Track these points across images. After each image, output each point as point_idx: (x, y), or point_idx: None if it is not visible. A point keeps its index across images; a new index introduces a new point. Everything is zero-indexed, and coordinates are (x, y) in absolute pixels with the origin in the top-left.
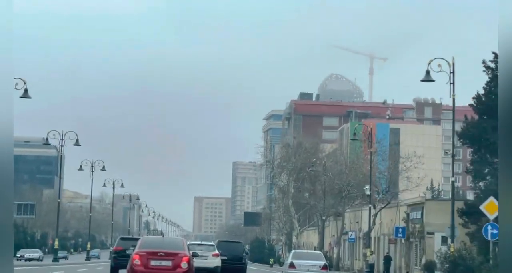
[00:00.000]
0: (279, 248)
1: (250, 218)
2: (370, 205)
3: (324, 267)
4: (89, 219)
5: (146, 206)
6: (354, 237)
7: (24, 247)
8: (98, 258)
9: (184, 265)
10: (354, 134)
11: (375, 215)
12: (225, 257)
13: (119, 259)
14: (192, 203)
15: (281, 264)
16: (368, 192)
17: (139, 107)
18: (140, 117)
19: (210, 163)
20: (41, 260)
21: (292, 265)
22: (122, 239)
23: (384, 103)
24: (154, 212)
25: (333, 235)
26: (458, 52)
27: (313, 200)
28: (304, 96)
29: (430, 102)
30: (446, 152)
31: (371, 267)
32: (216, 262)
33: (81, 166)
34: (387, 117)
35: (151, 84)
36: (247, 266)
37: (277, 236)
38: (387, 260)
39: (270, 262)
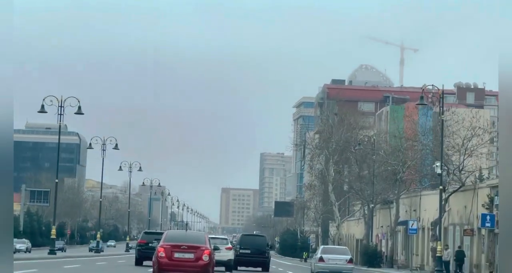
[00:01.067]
0: (313, 240)
1: (281, 208)
2: (440, 187)
3: (350, 261)
4: (99, 206)
5: (169, 194)
6: (416, 228)
7: (38, 237)
8: (100, 252)
9: (205, 257)
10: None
11: (446, 200)
12: (248, 251)
13: (143, 251)
14: (219, 195)
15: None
16: (439, 170)
17: (165, 97)
18: (166, 108)
19: (237, 154)
20: (29, 252)
21: (321, 259)
22: (146, 233)
23: (423, 88)
24: (179, 202)
25: (381, 226)
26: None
27: (359, 184)
28: (336, 82)
29: (472, 87)
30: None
31: (446, 265)
32: (229, 255)
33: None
34: (430, 100)
35: (179, 74)
36: (270, 259)
37: (311, 227)
38: (460, 255)
39: (304, 256)
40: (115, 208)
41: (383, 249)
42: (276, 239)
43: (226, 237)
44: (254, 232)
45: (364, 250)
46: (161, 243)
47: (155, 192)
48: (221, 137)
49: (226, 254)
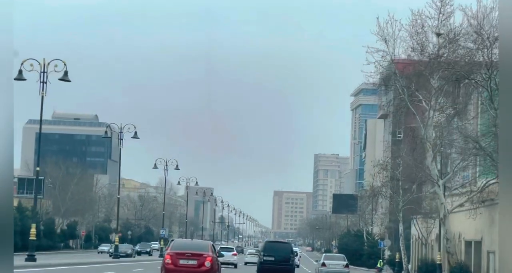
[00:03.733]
0: (387, 244)
1: (341, 202)
2: None
3: (346, 266)
4: (118, 203)
5: (211, 194)
6: None
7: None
8: (118, 257)
9: (207, 264)
10: None
11: None
12: (272, 258)
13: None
14: (272, 198)
15: (395, 269)
16: None
17: (214, 99)
18: (215, 110)
19: (290, 156)
20: None
21: (323, 264)
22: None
23: None
24: (229, 205)
25: None
26: None
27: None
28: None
29: None
30: None
31: None
32: (234, 259)
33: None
34: None
35: (228, 77)
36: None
37: (380, 228)
38: None
39: (379, 265)
40: (148, 208)
41: None
42: (333, 243)
43: (233, 247)
44: (288, 240)
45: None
46: (168, 251)
47: (204, 193)
48: (273, 139)
49: (231, 258)
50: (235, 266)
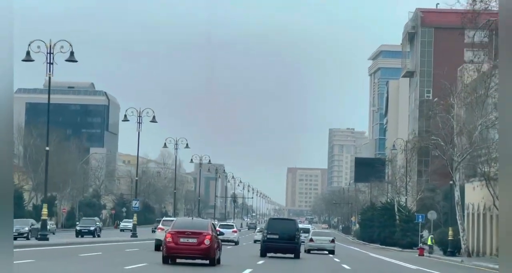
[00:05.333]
0: (430, 216)
1: (365, 168)
2: None
3: (332, 241)
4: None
5: (224, 171)
6: None
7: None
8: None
9: (207, 242)
10: None
11: None
12: (276, 236)
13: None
14: (285, 175)
15: (447, 251)
16: None
17: (227, 74)
18: (228, 85)
19: (304, 131)
20: None
21: (311, 240)
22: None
23: None
24: (241, 182)
25: None
26: None
27: None
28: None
29: None
30: None
31: None
32: (235, 237)
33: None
34: None
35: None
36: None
37: (414, 199)
38: None
39: (429, 242)
40: (146, 183)
41: None
42: (352, 219)
43: (233, 224)
44: (305, 219)
45: None
46: (169, 229)
47: (216, 170)
48: (286, 114)
49: (231, 235)
50: (236, 243)
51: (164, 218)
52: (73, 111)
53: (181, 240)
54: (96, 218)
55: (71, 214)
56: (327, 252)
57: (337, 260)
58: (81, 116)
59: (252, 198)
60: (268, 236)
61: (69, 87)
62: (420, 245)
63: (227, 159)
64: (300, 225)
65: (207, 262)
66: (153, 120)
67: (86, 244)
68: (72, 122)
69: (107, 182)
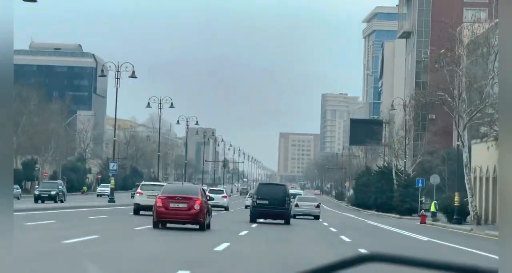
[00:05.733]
0: (433, 180)
1: (361, 130)
2: None
3: (317, 206)
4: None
5: (213, 134)
6: None
7: None
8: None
9: (196, 206)
10: None
11: None
12: (266, 202)
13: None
14: (277, 141)
15: (452, 218)
16: None
17: (218, 40)
18: (220, 49)
19: (296, 96)
20: None
21: (297, 205)
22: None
23: None
24: (232, 146)
25: None
26: None
27: None
28: None
29: None
30: None
31: None
32: (224, 202)
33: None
34: None
35: (232, 17)
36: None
37: (414, 162)
38: None
39: (432, 208)
40: (134, 147)
41: None
42: (346, 184)
43: (223, 189)
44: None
45: None
46: (159, 195)
47: (204, 132)
48: (278, 79)
49: (222, 200)
50: (226, 208)
51: (143, 183)
52: (59, 73)
53: (171, 205)
54: (59, 181)
55: (54, 179)
56: (312, 218)
57: (333, 230)
58: (68, 78)
59: (243, 162)
60: (258, 201)
61: (55, 49)
62: (422, 212)
63: (218, 123)
64: (292, 191)
65: (197, 227)
66: (133, 75)
67: (40, 211)
68: (58, 85)
69: (93, 145)
